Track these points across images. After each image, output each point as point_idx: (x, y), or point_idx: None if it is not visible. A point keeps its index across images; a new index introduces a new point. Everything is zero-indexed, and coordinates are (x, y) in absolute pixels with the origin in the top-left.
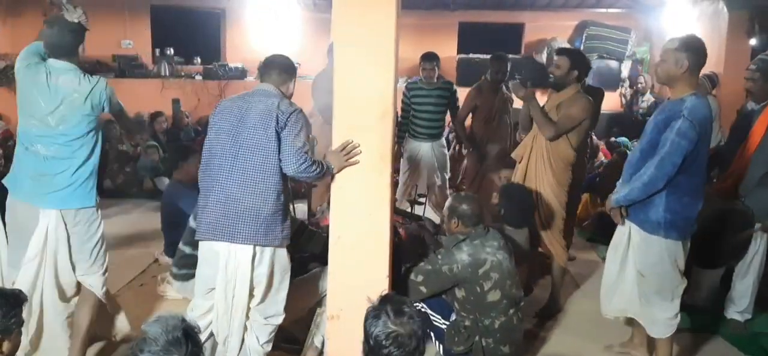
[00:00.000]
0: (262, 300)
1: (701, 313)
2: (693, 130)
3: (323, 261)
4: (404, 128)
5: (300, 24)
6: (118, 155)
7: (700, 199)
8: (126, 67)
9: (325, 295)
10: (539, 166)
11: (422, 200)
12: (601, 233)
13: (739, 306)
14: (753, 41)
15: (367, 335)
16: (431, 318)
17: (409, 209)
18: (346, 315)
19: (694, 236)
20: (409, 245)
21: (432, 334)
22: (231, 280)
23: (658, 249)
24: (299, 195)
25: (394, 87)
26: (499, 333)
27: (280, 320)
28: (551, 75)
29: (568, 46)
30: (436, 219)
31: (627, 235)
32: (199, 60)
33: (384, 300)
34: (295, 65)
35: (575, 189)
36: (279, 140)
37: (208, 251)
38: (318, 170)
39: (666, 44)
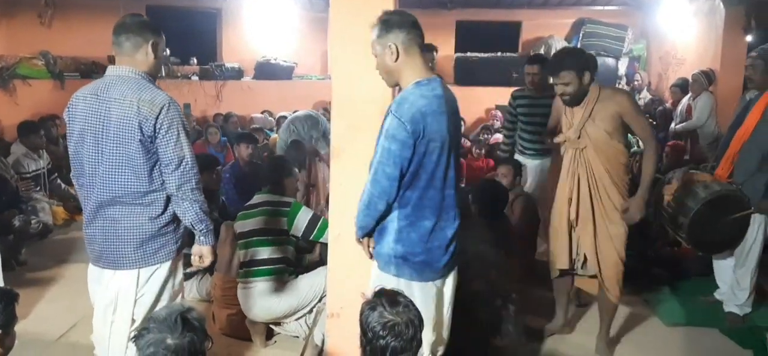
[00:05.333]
0: None
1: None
2: (403, 129)
3: (323, 260)
4: (508, 142)
5: (297, 23)
6: None
7: (451, 220)
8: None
9: (325, 293)
10: (593, 187)
11: None
12: None
13: (738, 299)
14: (749, 38)
15: (364, 327)
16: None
17: None
18: (346, 312)
19: (693, 222)
20: None
21: None
22: (111, 303)
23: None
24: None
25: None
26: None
27: None
28: (565, 96)
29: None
30: None
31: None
32: (195, 60)
33: (378, 293)
34: (152, 24)
35: None
36: (148, 150)
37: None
38: (202, 202)
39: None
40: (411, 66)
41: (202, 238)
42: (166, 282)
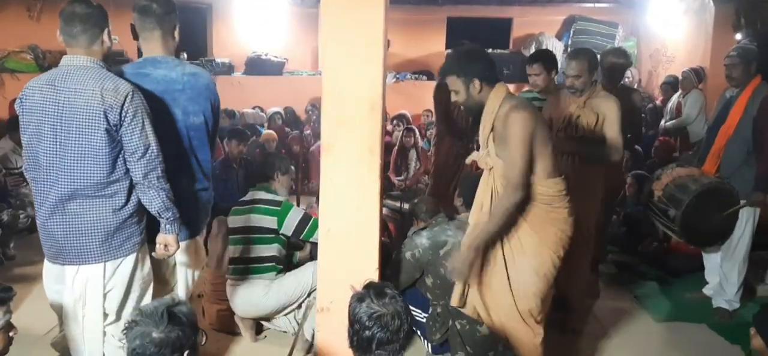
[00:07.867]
0: (117, 317)
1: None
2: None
3: (312, 255)
4: None
5: (287, 19)
6: None
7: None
8: (112, 64)
9: (315, 287)
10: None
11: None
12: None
13: (727, 294)
14: (739, 36)
15: (352, 319)
16: (413, 312)
17: (398, 204)
18: (336, 307)
19: (685, 214)
20: (398, 238)
21: (418, 331)
22: (80, 298)
23: None
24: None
25: (382, 82)
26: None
27: None
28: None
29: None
30: None
31: None
32: (185, 55)
33: (367, 286)
34: (101, 9)
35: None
36: (113, 139)
37: (54, 266)
38: (168, 190)
39: None
40: (143, 46)
41: (167, 226)
42: (133, 273)
